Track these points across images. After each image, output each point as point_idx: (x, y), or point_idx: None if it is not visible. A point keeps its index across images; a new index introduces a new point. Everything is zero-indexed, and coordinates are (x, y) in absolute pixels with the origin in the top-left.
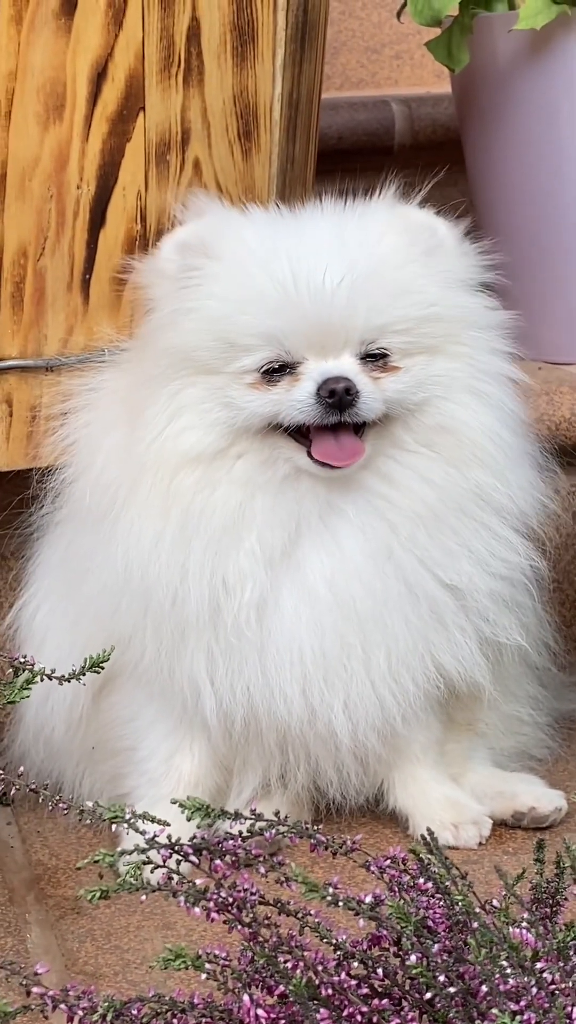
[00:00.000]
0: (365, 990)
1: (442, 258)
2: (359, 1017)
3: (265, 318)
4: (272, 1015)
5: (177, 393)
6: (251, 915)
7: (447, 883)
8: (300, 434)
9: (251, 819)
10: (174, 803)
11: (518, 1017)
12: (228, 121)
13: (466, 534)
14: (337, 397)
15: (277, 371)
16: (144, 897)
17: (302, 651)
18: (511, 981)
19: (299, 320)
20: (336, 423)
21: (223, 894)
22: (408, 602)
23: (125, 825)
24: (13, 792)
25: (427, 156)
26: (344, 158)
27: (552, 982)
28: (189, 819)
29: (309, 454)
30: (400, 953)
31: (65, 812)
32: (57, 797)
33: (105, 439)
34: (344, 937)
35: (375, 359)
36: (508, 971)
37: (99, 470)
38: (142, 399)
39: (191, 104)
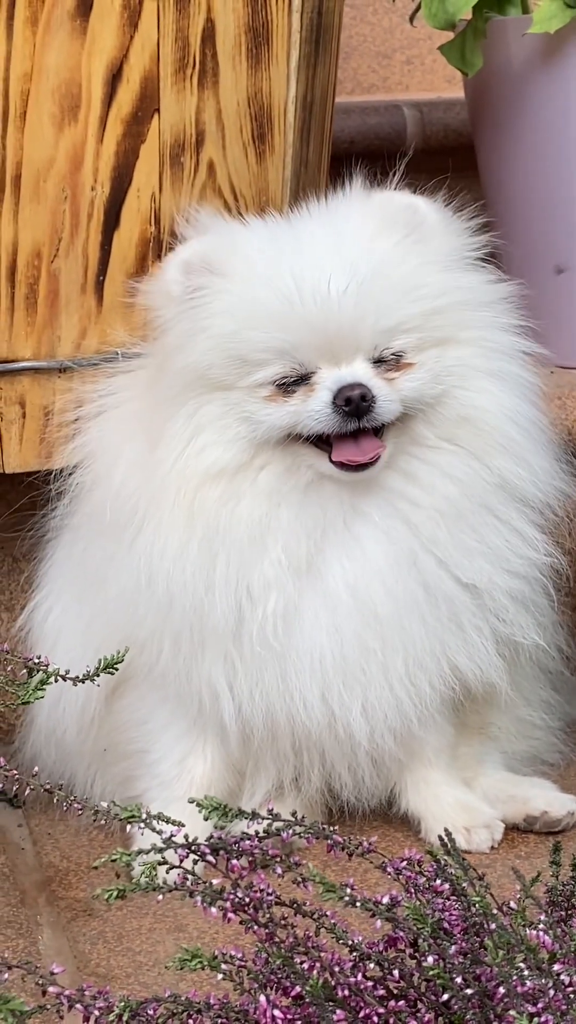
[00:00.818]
0: (381, 991)
1: (435, 241)
2: (375, 1018)
3: (275, 332)
4: (288, 1016)
5: (195, 412)
6: (268, 915)
7: (464, 885)
8: (321, 441)
9: (269, 819)
10: (191, 802)
11: (535, 1019)
12: (242, 123)
13: (486, 531)
14: (354, 405)
15: (292, 382)
16: (160, 897)
17: (323, 656)
18: (528, 983)
19: (308, 331)
20: (355, 430)
21: (240, 894)
22: (427, 604)
23: (139, 827)
24: (27, 793)
25: (439, 160)
26: (356, 162)
27: (569, 984)
28: (206, 818)
29: (331, 459)
30: (416, 955)
31: (80, 813)
32: (72, 798)
33: (123, 450)
34: (360, 938)
35: (388, 360)
36: (525, 973)
37: (119, 482)
38: (161, 419)
39: (206, 106)
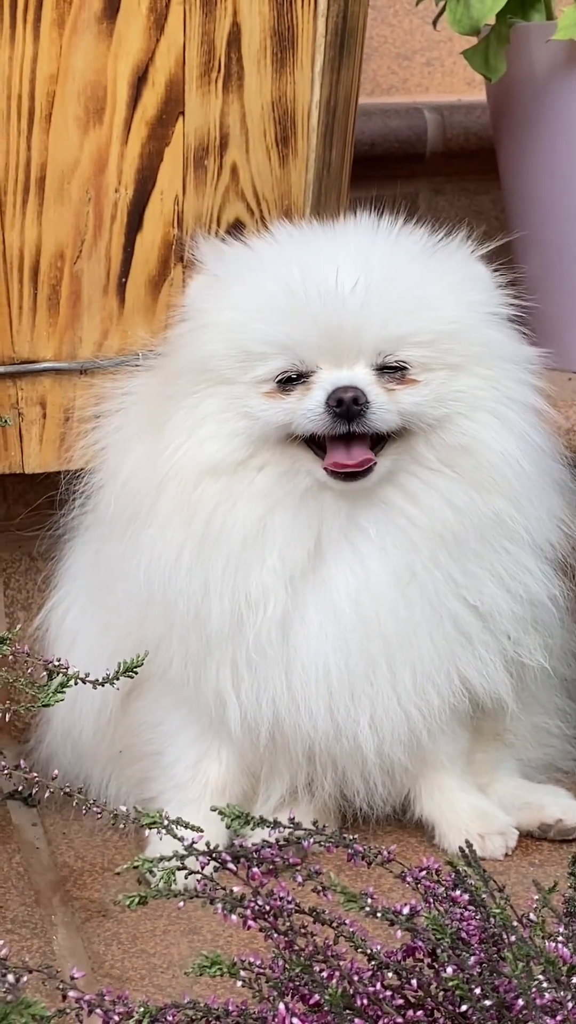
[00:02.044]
0: (399, 1001)
1: (472, 290)
2: None
3: (277, 325)
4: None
5: (198, 404)
6: (287, 923)
7: (483, 895)
8: (317, 445)
9: (289, 827)
10: (213, 810)
11: None
12: (266, 127)
13: (489, 557)
14: (344, 407)
15: (292, 380)
16: (182, 904)
17: (328, 668)
18: (547, 995)
19: (310, 327)
20: (347, 433)
21: (259, 902)
22: (433, 621)
23: (157, 830)
24: (47, 795)
25: (459, 164)
26: (376, 164)
27: None
28: (228, 826)
29: (323, 465)
30: (435, 965)
31: (99, 816)
32: (92, 801)
33: (133, 448)
34: (378, 947)
35: (392, 371)
36: (544, 985)
37: (125, 479)
38: (166, 414)
39: (230, 109)
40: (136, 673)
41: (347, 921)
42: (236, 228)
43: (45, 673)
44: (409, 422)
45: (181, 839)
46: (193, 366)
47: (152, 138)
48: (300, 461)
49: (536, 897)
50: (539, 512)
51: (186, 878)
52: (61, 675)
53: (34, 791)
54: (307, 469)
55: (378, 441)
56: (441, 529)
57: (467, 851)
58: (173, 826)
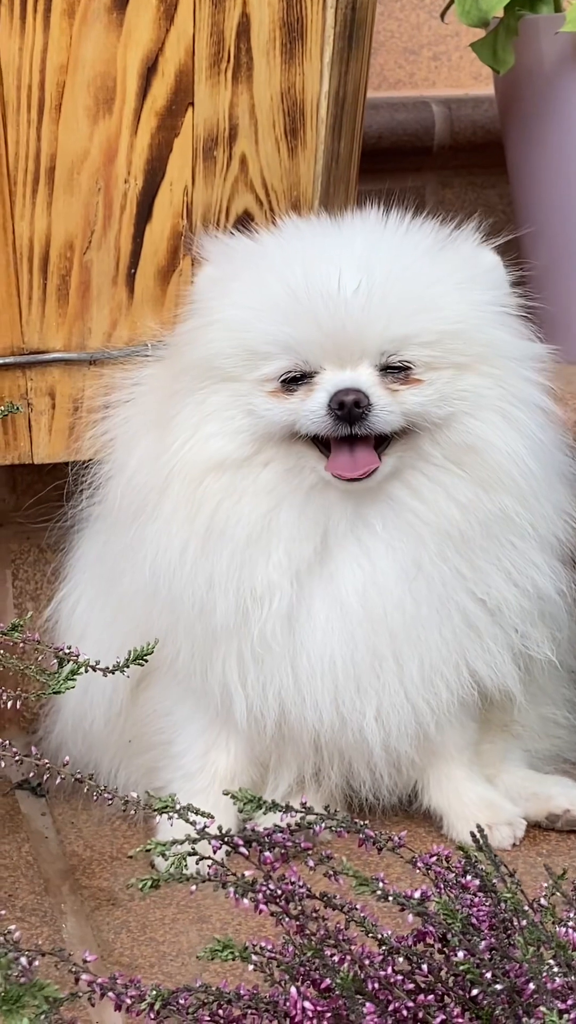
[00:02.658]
0: (410, 985)
1: (479, 289)
2: (404, 1012)
3: (280, 325)
4: (318, 1008)
5: (203, 401)
6: (299, 908)
7: (494, 881)
8: (322, 443)
9: (302, 812)
10: (226, 794)
11: (565, 1016)
12: (275, 118)
13: (496, 552)
14: (346, 410)
15: (296, 380)
16: (194, 888)
17: (334, 661)
18: (558, 980)
19: (313, 327)
20: (349, 435)
21: (271, 886)
22: (441, 615)
23: (167, 817)
24: (57, 782)
25: (466, 157)
26: (384, 158)
27: None
28: (241, 810)
29: (327, 466)
30: (445, 950)
31: (110, 802)
32: (102, 788)
33: (140, 441)
34: (389, 932)
35: (396, 371)
36: (555, 970)
37: (132, 472)
38: (172, 410)
39: (239, 100)
40: (146, 661)
41: (358, 906)
42: (245, 219)
43: (55, 661)
44: (413, 421)
45: (193, 823)
46: (199, 363)
47: (161, 129)
48: (305, 458)
49: (545, 885)
50: (545, 509)
51: (197, 863)
52: (72, 663)
53: (44, 780)
54: (312, 466)
55: (383, 439)
56: (447, 526)
57: (478, 836)
58: (186, 811)
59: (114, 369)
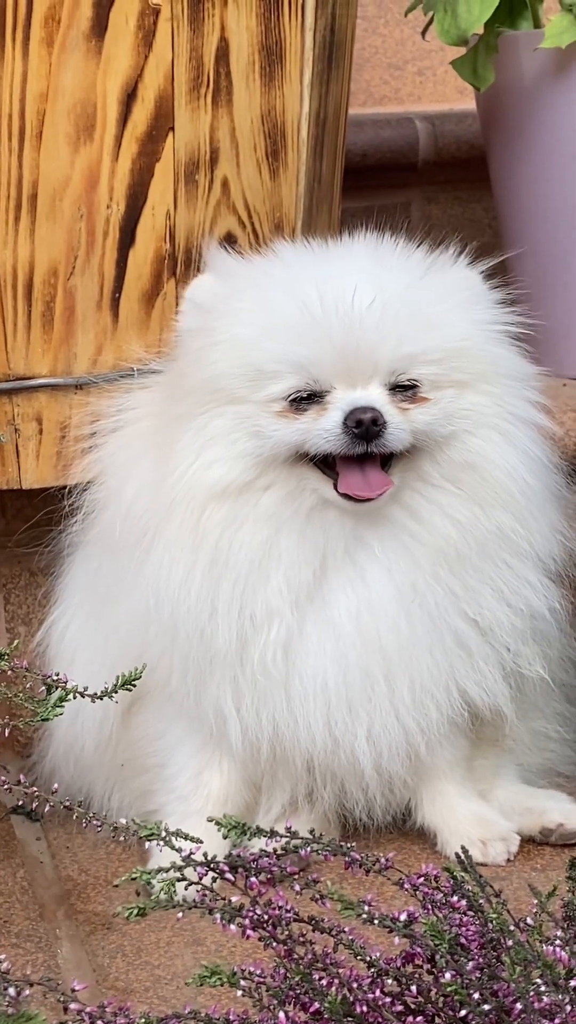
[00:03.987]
0: (399, 1007)
1: (479, 308)
2: None
3: (292, 344)
4: None
5: (205, 425)
6: (286, 932)
7: (481, 901)
8: (327, 465)
9: (286, 836)
10: (210, 821)
11: None
12: (256, 140)
13: (489, 571)
14: (364, 427)
15: (305, 399)
16: (181, 915)
17: (326, 683)
18: (546, 999)
19: (326, 346)
20: (363, 454)
21: (258, 911)
22: (432, 635)
23: (157, 842)
24: (49, 809)
25: (451, 172)
26: (369, 175)
27: None
28: (225, 836)
29: (336, 487)
30: (434, 970)
31: (99, 828)
32: (91, 814)
33: (135, 469)
34: (377, 954)
35: (404, 390)
36: (543, 989)
37: (129, 501)
38: (172, 436)
39: (220, 124)
40: (134, 686)
41: (346, 929)
42: (228, 241)
43: (44, 688)
44: (419, 440)
45: (179, 850)
46: (202, 385)
47: (143, 154)
48: (307, 480)
49: (536, 902)
50: (541, 525)
51: (186, 889)
52: (60, 689)
53: (35, 805)
54: (313, 488)
55: (387, 458)
56: (444, 545)
57: (463, 857)
58: (171, 837)
59: (101, 393)
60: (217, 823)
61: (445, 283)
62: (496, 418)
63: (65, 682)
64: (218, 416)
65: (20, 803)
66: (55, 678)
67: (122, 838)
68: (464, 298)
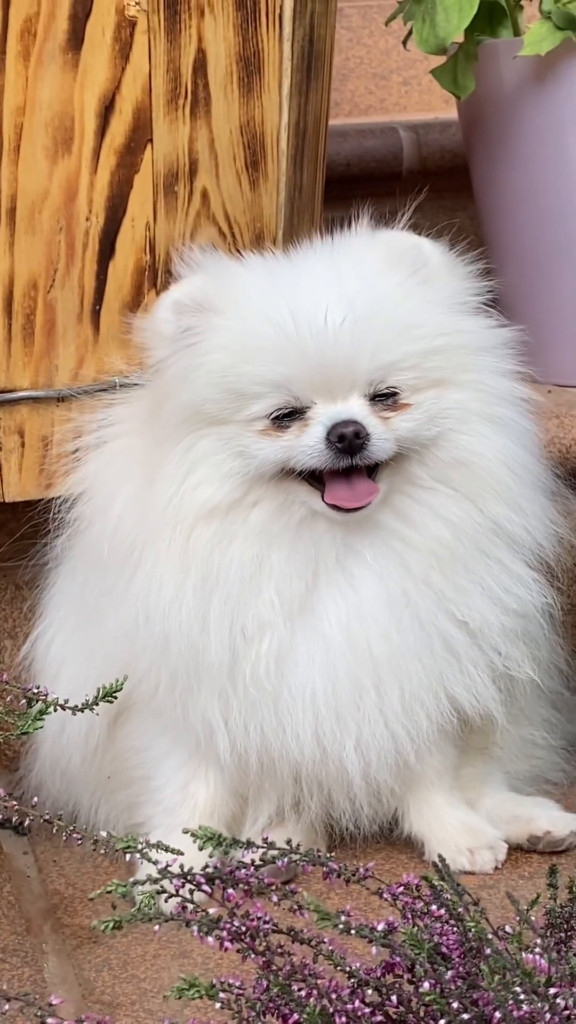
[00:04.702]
0: (379, 1017)
1: (439, 283)
2: None
3: (270, 365)
4: None
5: (191, 447)
6: (264, 944)
7: (460, 910)
8: (314, 478)
9: (263, 848)
10: (186, 832)
11: None
12: (235, 151)
13: (480, 571)
14: (347, 441)
15: (287, 416)
16: (158, 927)
17: (315, 693)
18: (524, 1007)
19: (304, 364)
20: (349, 467)
21: (236, 923)
22: (422, 642)
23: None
24: (28, 822)
25: (435, 181)
26: (353, 184)
27: (566, 1008)
28: (201, 848)
29: (323, 498)
30: (414, 980)
31: (79, 842)
32: (71, 827)
33: (121, 487)
34: (358, 964)
35: (384, 398)
36: (522, 997)
37: (116, 519)
38: (158, 456)
39: (198, 135)
40: (115, 698)
41: (326, 939)
42: None
43: (25, 701)
44: (405, 446)
45: (156, 862)
46: (183, 409)
47: (121, 166)
48: (295, 493)
49: (523, 909)
50: (536, 509)
51: (166, 901)
52: (40, 703)
53: (19, 820)
54: (302, 500)
55: (373, 467)
56: (436, 547)
57: (440, 866)
58: (150, 849)
59: (83, 406)
60: (193, 835)
61: (404, 269)
62: (481, 406)
63: (46, 695)
64: (202, 438)
65: (7, 817)
66: (36, 691)
67: (103, 851)
68: (424, 278)
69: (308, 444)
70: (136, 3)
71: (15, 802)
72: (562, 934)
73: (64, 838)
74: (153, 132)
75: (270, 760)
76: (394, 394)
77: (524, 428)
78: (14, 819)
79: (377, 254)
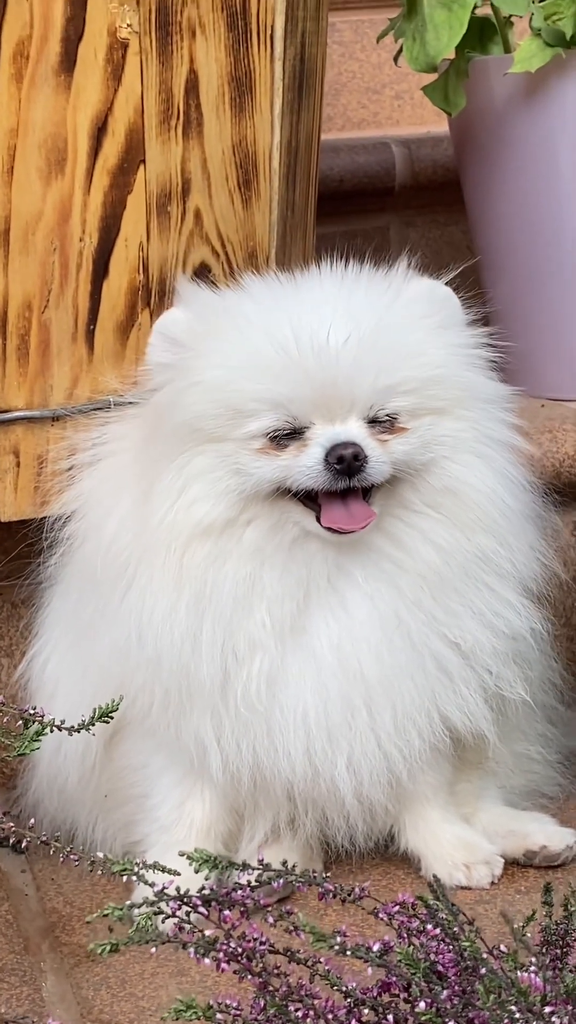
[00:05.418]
0: None
1: (452, 331)
2: None
3: (269, 383)
4: None
5: (186, 464)
6: (261, 964)
7: (455, 929)
8: (309, 498)
9: (258, 869)
10: (181, 855)
11: None
12: (228, 171)
13: (470, 595)
14: (345, 463)
15: (285, 436)
16: (154, 949)
17: (306, 713)
18: None
19: (303, 383)
20: (345, 488)
21: (232, 944)
22: (414, 662)
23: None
24: (27, 843)
25: (428, 196)
26: (346, 200)
27: None
28: (197, 871)
29: (318, 519)
30: (410, 999)
31: (76, 863)
32: (68, 848)
33: (115, 504)
34: (354, 984)
35: (383, 422)
36: (517, 1016)
37: (110, 537)
38: (153, 474)
39: (191, 155)
40: (111, 718)
41: (322, 959)
42: (202, 271)
43: (21, 722)
44: (399, 469)
45: (152, 884)
46: (181, 426)
47: (114, 187)
48: (289, 513)
49: (517, 927)
50: (522, 545)
51: (163, 922)
52: (36, 724)
53: (16, 839)
54: (296, 520)
55: (367, 489)
56: (426, 570)
57: (435, 885)
58: (147, 871)
59: (78, 425)
60: (189, 857)
61: (417, 308)
62: (474, 442)
63: (42, 716)
64: (198, 455)
65: (6, 836)
66: (32, 712)
67: (100, 872)
68: (437, 322)
69: (306, 465)
70: (128, 25)
71: (12, 824)
72: (557, 950)
73: (61, 860)
74: (146, 153)
75: (263, 779)
76: (393, 418)
77: (511, 475)
78: (11, 838)
79: (389, 285)
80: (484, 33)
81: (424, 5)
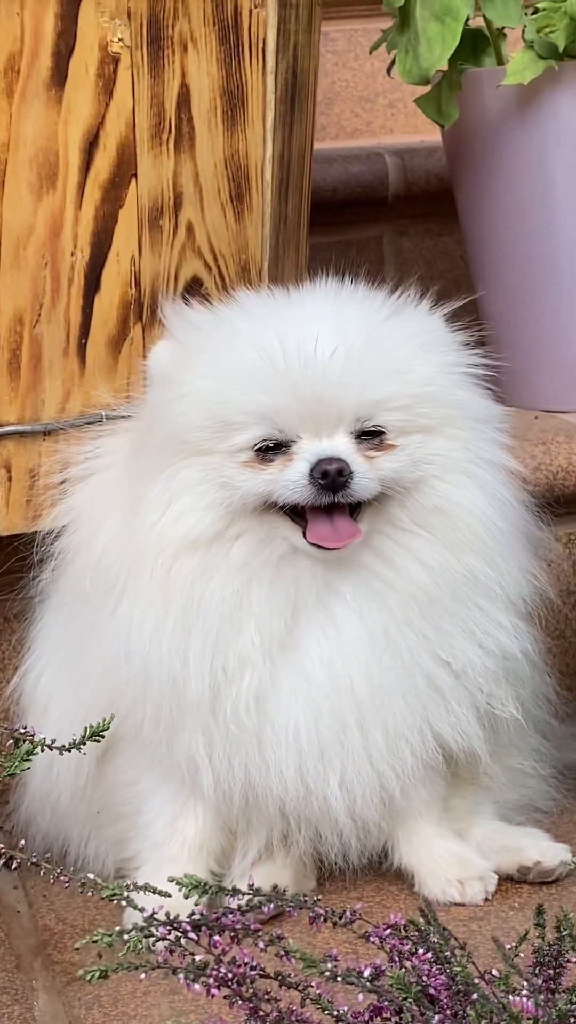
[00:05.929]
0: None
1: (443, 350)
2: None
3: (255, 394)
4: None
5: (173, 477)
6: (251, 989)
7: (447, 953)
8: (296, 513)
9: (248, 894)
10: (171, 881)
11: None
12: (220, 184)
13: (461, 614)
14: (330, 479)
15: (271, 449)
16: (143, 976)
17: (298, 732)
18: None
19: (290, 396)
20: (330, 504)
21: (223, 970)
22: (405, 680)
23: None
24: (16, 864)
25: (421, 206)
26: (339, 210)
27: None
28: (187, 896)
29: (305, 535)
30: (401, 1023)
31: (67, 885)
32: (59, 870)
33: (106, 519)
34: (346, 1008)
35: (371, 437)
36: None
37: (100, 551)
38: (141, 487)
39: (183, 169)
40: (103, 737)
41: (313, 983)
42: (194, 285)
43: (11, 741)
44: (387, 487)
45: (141, 910)
46: (168, 439)
47: (106, 201)
48: (277, 528)
49: (510, 947)
50: (512, 567)
51: (154, 945)
52: (27, 743)
53: (7, 859)
54: (283, 536)
55: (355, 506)
56: (415, 590)
57: (425, 908)
58: (136, 894)
59: (70, 440)
60: (178, 883)
61: (408, 327)
62: (465, 462)
63: (32, 735)
64: (185, 468)
65: None
66: (23, 731)
67: (91, 893)
68: (427, 341)
69: (291, 479)
70: (119, 39)
71: (2, 844)
72: (550, 971)
73: (52, 881)
74: (137, 167)
75: (255, 797)
76: (380, 433)
77: (502, 497)
78: (3, 856)
79: (382, 306)
80: (477, 45)
81: (417, 18)
